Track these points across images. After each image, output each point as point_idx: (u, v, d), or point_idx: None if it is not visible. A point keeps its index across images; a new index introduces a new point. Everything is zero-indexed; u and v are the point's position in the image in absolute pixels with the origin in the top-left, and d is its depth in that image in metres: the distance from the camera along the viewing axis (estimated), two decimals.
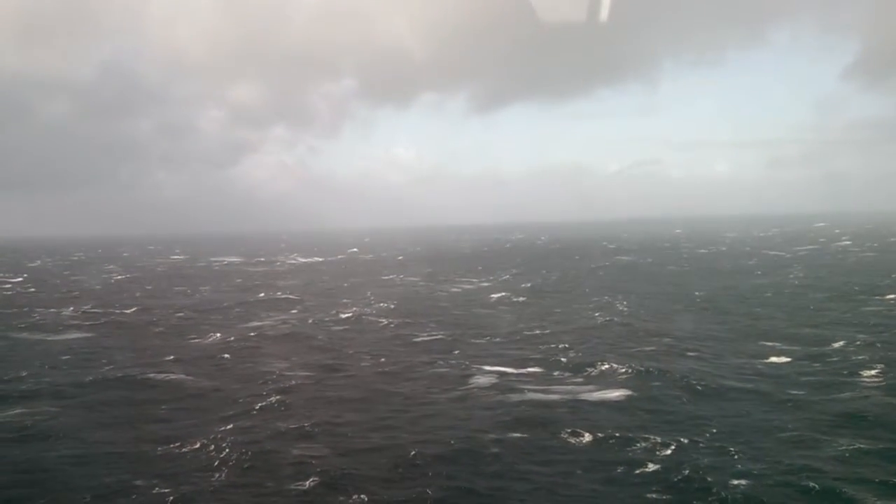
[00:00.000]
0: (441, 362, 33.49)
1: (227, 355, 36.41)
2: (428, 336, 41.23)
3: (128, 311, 55.01)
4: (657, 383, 28.39)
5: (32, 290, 77.24)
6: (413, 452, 20.76)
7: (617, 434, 22.11)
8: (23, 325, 48.15)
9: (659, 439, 21.41)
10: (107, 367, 33.78)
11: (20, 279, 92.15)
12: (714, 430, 22.37)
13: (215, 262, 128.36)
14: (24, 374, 32.36)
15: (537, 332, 41.41)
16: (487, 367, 31.85)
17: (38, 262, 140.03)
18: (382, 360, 34.46)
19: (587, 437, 22.03)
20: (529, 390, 27.87)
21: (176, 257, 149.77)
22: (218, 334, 42.74)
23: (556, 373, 30.97)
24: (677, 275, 78.02)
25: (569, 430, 22.66)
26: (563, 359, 33.30)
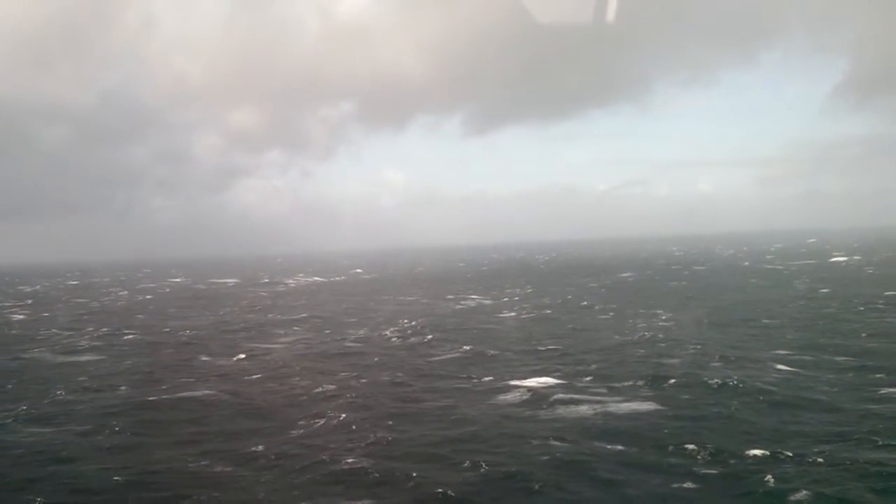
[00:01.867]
0: (475, 377, 33.95)
1: (256, 375, 36.54)
2: (456, 352, 41.61)
3: (140, 333, 54.97)
4: (696, 392, 28.89)
5: (43, 314, 76.95)
6: (493, 469, 21.04)
7: (671, 443, 22.53)
8: (37, 348, 48.18)
9: (705, 447, 21.82)
10: (141, 387, 33.96)
11: (27, 303, 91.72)
12: (771, 440, 22.79)
13: (215, 283, 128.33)
14: (54, 395, 32.44)
15: (560, 346, 41.87)
16: (521, 382, 32.12)
17: (38, 286, 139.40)
18: (419, 375, 34.68)
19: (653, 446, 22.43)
20: (574, 402, 28.24)
21: (175, 280, 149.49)
22: (241, 354, 42.94)
23: (609, 385, 31.29)
24: (684, 289, 78.77)
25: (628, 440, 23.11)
26: (605, 372, 33.75)
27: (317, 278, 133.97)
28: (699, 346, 38.83)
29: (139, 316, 70.39)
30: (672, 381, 30.67)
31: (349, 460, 21.76)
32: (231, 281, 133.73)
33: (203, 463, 22.23)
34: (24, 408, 29.90)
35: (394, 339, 47.23)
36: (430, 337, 47.29)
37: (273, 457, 22.39)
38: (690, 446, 21.93)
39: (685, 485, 19.14)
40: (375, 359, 39.81)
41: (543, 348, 41.40)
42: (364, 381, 33.94)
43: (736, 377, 30.68)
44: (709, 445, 21.82)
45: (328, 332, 52.47)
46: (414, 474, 20.27)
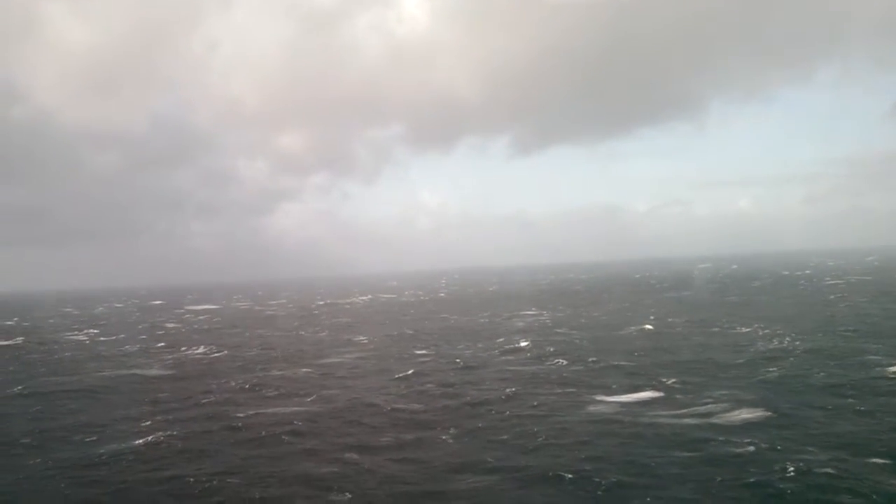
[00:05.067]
0: (559, 389, 33.73)
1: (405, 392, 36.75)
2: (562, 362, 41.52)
3: (250, 352, 55.88)
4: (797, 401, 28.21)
5: (110, 337, 78.80)
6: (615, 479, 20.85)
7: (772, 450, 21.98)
8: (119, 364, 49.38)
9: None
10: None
11: (94, 329, 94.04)
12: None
13: (274, 304, 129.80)
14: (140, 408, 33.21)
15: (650, 357, 41.34)
16: (605, 398, 31.78)
17: (90, 309, 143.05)
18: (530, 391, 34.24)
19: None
20: (669, 415, 27.83)
21: (237, 304, 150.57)
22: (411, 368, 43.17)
23: (697, 396, 30.82)
24: (744, 304, 77.14)
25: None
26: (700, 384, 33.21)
27: (391, 295, 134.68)
28: (791, 358, 37.89)
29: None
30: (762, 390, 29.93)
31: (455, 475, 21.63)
32: (322, 302, 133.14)
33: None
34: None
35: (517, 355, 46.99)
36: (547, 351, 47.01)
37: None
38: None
39: None
40: (489, 374, 39.77)
41: (635, 362, 40.89)
42: (474, 394, 33.94)
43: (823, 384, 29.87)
44: None
45: (481, 344, 52.76)
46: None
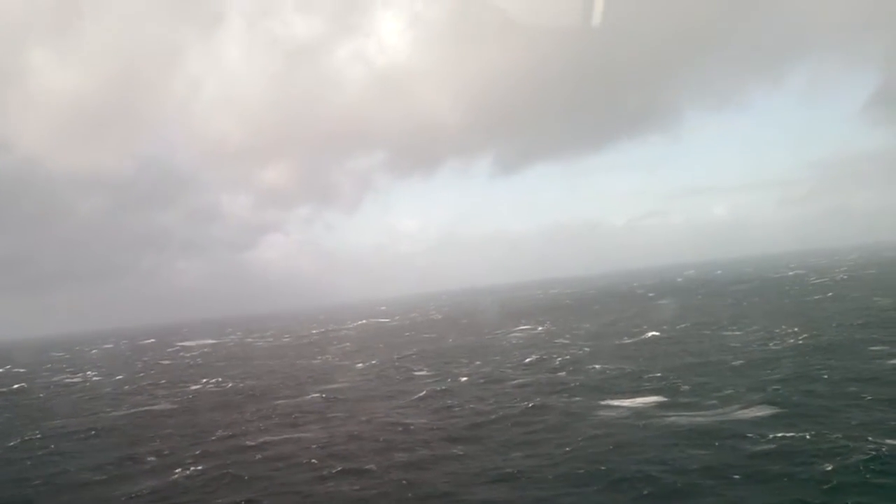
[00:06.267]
0: (578, 397, 34.43)
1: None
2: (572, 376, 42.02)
3: (241, 384, 55.90)
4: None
5: (110, 378, 78.22)
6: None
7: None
8: (126, 403, 49.25)
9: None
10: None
11: (90, 371, 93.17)
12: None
13: (260, 339, 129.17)
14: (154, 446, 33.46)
15: (651, 366, 42.19)
16: (614, 402, 32.57)
17: (67, 354, 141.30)
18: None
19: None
20: (680, 416, 28.63)
21: (230, 337, 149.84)
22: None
23: (705, 400, 31.67)
24: (737, 306, 78.55)
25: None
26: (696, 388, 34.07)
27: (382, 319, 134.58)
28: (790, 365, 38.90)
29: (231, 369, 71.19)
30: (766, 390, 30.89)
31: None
32: (316, 331, 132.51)
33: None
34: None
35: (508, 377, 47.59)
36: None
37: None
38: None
39: None
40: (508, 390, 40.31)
41: (630, 370, 41.71)
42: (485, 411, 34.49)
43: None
44: None
45: (488, 360, 53.38)
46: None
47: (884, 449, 20.57)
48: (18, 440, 38.40)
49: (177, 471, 27.46)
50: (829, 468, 19.73)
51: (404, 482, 23.01)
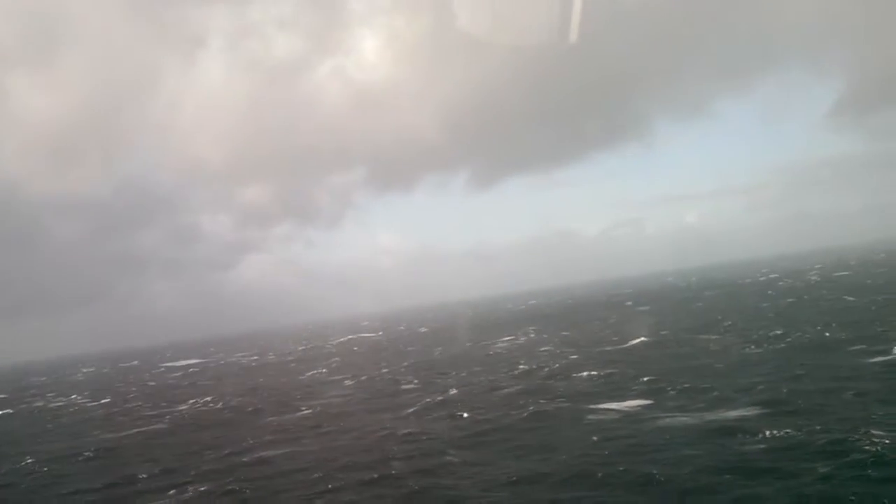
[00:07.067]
0: (558, 403, 35.31)
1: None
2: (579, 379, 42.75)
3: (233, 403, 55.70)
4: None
5: (98, 401, 77.43)
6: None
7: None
8: (120, 425, 49.08)
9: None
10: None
11: (76, 394, 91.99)
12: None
13: (245, 357, 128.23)
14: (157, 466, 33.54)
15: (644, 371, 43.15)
16: (604, 405, 33.32)
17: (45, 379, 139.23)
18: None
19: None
20: (673, 417, 29.53)
21: (215, 356, 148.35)
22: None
23: (695, 402, 32.51)
24: (712, 310, 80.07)
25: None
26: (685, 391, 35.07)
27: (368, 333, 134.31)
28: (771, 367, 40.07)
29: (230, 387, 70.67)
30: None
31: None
32: (301, 348, 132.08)
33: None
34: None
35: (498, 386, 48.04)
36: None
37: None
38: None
39: None
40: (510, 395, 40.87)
41: (619, 375, 42.65)
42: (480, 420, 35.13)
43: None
44: None
45: (479, 370, 53.48)
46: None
47: (873, 441, 21.51)
48: (9, 466, 38.17)
49: (171, 492, 27.57)
50: (820, 462, 20.60)
51: (408, 491, 23.50)
